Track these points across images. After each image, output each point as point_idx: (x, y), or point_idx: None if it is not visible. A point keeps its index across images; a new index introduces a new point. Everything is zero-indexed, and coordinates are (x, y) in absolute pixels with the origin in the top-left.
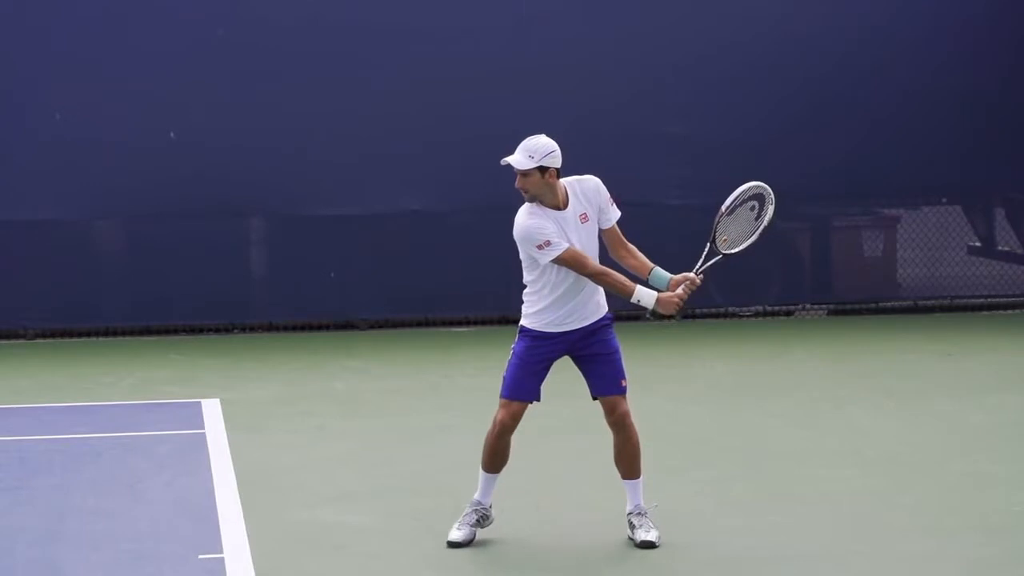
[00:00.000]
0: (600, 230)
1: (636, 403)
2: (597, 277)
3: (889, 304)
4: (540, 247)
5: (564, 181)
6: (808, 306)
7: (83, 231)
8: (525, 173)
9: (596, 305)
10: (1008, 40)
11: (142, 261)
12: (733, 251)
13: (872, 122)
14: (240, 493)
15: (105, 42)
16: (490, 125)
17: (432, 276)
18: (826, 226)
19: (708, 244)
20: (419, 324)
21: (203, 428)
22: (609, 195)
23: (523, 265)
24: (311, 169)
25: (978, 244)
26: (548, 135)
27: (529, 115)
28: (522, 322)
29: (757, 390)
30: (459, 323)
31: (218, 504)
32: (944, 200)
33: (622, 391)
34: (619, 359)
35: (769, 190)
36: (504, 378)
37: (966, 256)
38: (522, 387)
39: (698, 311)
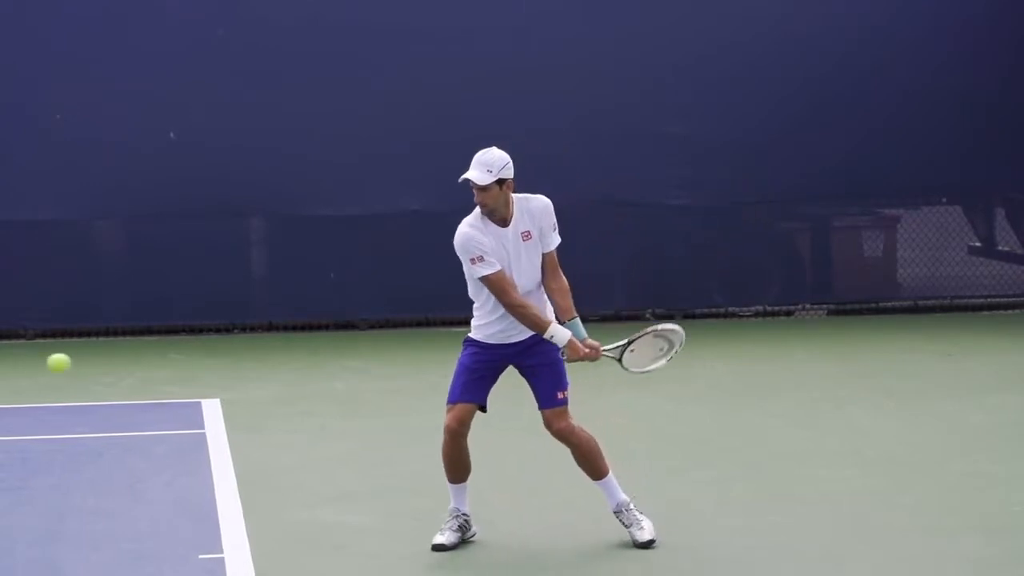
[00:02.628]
0: None
1: (636, 403)
2: (515, 309)
3: (889, 304)
4: (473, 261)
5: (514, 196)
6: (808, 306)
7: (83, 231)
8: (485, 188)
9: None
10: (1008, 40)
11: (142, 261)
12: (624, 366)
13: (872, 122)
14: (240, 493)
15: (105, 42)
16: (490, 125)
17: (432, 276)
18: (826, 226)
19: (627, 340)
20: (419, 324)
21: (203, 428)
22: (554, 220)
23: (468, 281)
24: (311, 169)
25: (978, 244)
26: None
27: (529, 115)
28: (468, 334)
29: (757, 390)
30: (459, 323)
31: (218, 504)
32: (944, 200)
33: (558, 403)
34: (558, 370)
35: (681, 343)
36: (450, 386)
37: (966, 256)
38: (466, 390)
39: (698, 311)
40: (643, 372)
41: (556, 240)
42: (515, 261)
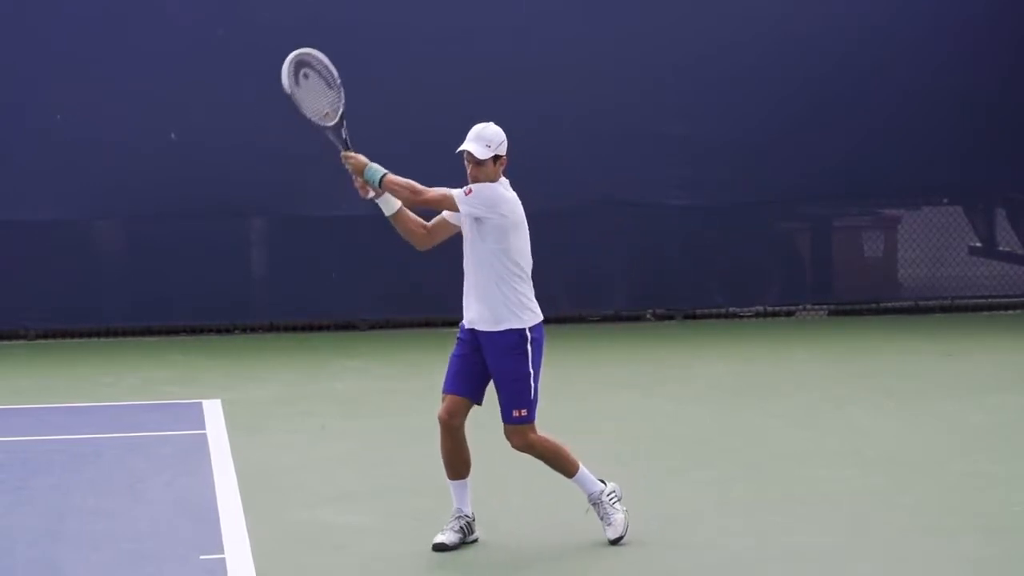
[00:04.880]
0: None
1: (637, 404)
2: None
3: (890, 304)
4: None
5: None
6: (809, 306)
7: (84, 231)
8: (480, 162)
9: (493, 315)
10: (1008, 40)
11: (143, 261)
12: (336, 121)
13: (872, 122)
14: (241, 493)
15: (105, 42)
16: None
17: (433, 277)
18: (827, 226)
19: (322, 128)
20: (420, 325)
21: (204, 428)
22: (475, 189)
23: None
24: (311, 169)
25: (979, 244)
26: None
27: (529, 115)
28: None
29: (758, 390)
30: (459, 323)
31: (219, 504)
32: (945, 200)
33: (513, 421)
34: (516, 388)
35: (307, 52)
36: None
37: (967, 256)
38: (455, 381)
39: (699, 311)
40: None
41: (459, 193)
42: (467, 223)
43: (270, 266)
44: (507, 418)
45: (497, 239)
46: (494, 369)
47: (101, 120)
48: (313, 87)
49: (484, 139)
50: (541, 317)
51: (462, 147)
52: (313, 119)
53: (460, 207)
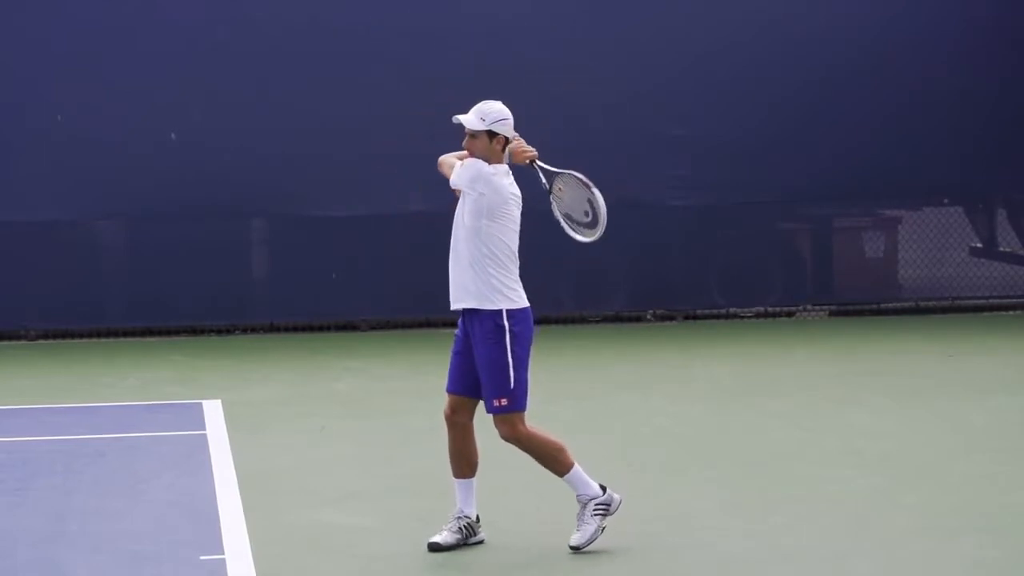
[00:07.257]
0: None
1: (637, 403)
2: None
3: (890, 305)
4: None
5: (501, 166)
6: (809, 307)
7: (84, 231)
8: (474, 135)
9: (465, 289)
10: (1008, 40)
11: (143, 261)
12: (553, 207)
13: (872, 122)
14: (241, 494)
15: (105, 42)
16: None
17: (433, 277)
18: (827, 227)
19: (556, 170)
20: (420, 325)
21: (204, 429)
22: (464, 173)
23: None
24: (311, 169)
25: (979, 245)
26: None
27: (528, 115)
28: None
29: (758, 390)
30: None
31: (219, 505)
32: (945, 201)
33: (495, 411)
34: (496, 379)
35: (604, 223)
36: None
37: (967, 257)
38: (450, 380)
39: (699, 312)
40: (563, 223)
41: (458, 162)
42: (461, 203)
43: (270, 266)
44: (488, 407)
45: (473, 216)
46: (476, 357)
47: (101, 120)
48: (577, 202)
49: (480, 112)
50: (521, 304)
51: (457, 117)
52: (554, 190)
53: (451, 174)
